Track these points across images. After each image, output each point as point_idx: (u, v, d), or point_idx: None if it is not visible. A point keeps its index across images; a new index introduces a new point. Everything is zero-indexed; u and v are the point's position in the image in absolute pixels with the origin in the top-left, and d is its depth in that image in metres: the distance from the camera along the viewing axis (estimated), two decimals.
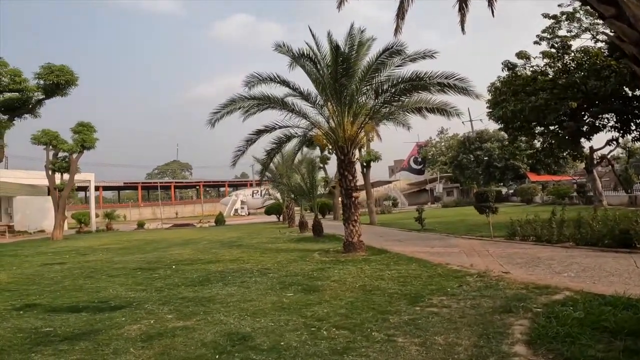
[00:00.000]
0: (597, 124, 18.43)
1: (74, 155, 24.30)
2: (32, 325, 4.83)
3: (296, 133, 11.31)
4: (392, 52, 9.03)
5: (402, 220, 22.57)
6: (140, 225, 34.29)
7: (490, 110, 20.14)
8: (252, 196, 55.38)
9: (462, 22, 8.67)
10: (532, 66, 18.89)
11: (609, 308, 4.00)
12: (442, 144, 54.63)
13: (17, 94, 18.32)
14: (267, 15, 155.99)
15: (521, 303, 4.52)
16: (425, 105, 10.30)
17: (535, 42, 18.65)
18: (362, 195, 20.71)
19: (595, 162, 20.52)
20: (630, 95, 16.73)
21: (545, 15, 18.50)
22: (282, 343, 3.75)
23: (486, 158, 41.59)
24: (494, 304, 4.58)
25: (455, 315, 4.27)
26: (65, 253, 13.96)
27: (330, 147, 10.36)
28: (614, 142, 19.41)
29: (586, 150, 19.94)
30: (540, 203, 30.84)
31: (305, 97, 10.20)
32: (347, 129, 10.05)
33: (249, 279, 7.19)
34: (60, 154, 24.74)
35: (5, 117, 18.51)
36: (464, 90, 9.33)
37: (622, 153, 35.03)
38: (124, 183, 67.64)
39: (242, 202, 57.03)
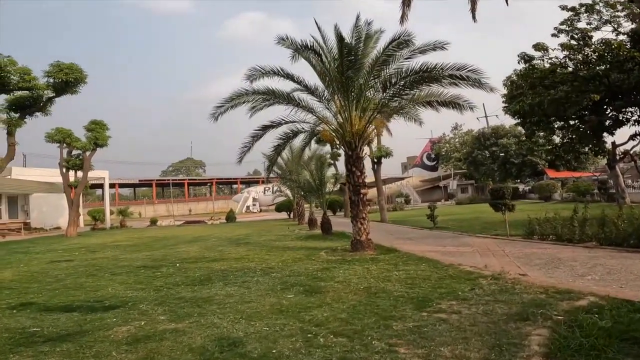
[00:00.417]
0: (621, 118, 17.61)
1: (87, 153, 24.69)
2: (21, 325, 4.68)
3: (303, 128, 11.03)
4: (400, 42, 8.65)
5: (414, 217, 22.13)
6: (153, 222, 34.70)
7: (507, 104, 19.48)
8: (264, 193, 55.52)
9: (473, 9, 8.23)
10: (550, 58, 18.12)
11: (638, 316, 3.60)
12: (456, 140, 53.56)
13: (28, 92, 18.54)
14: (278, 15, 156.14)
15: (540, 310, 4.11)
16: (437, 98, 9.86)
17: (553, 35, 17.86)
18: (373, 192, 20.33)
19: (617, 157, 19.64)
20: None
21: (563, 8, 17.72)
22: (274, 351, 3.47)
23: (502, 154, 40.54)
24: (509, 311, 4.20)
25: (465, 323, 3.90)
26: (75, 250, 14.04)
27: (338, 142, 10.02)
28: (638, 137, 18.50)
29: (608, 146, 19.08)
30: (559, 200, 29.82)
31: (310, 91, 9.90)
32: (355, 123, 9.70)
33: (250, 278, 6.96)
34: (75, 152, 25.24)
35: (17, 115, 18.75)
36: (477, 82, 8.89)
37: None
38: (139, 180, 68.64)
39: (254, 199, 57.30)
